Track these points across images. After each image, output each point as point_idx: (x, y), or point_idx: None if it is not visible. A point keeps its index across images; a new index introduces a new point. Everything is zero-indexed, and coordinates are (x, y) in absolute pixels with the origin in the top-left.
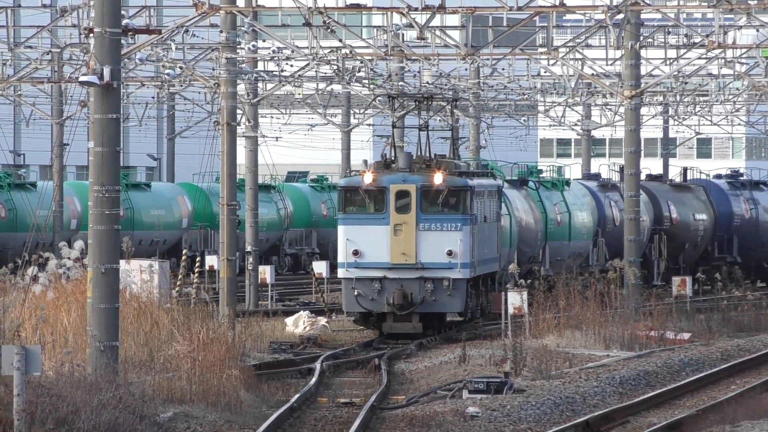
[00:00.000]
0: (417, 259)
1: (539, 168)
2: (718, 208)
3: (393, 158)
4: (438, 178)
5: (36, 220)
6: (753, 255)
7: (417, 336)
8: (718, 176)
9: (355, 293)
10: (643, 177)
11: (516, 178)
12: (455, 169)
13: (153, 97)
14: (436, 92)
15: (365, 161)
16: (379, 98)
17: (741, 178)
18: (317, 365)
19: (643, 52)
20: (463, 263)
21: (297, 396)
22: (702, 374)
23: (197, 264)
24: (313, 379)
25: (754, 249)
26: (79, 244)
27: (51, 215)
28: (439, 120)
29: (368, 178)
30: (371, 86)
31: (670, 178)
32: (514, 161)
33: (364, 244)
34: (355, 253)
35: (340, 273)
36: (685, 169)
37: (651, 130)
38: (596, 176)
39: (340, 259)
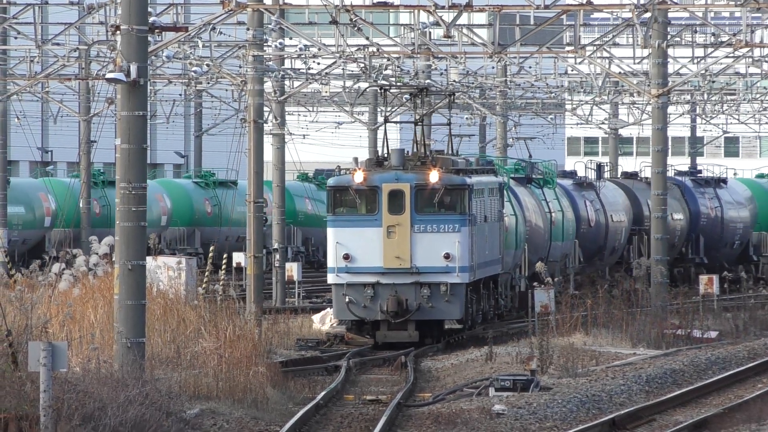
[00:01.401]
0: (412, 263)
1: (525, 163)
2: (689, 207)
3: (385, 155)
4: (433, 176)
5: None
6: (717, 255)
7: (413, 345)
8: (680, 173)
9: (347, 300)
10: (618, 174)
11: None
12: (452, 166)
13: (180, 95)
14: (430, 85)
15: (356, 159)
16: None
17: (700, 174)
18: (343, 362)
19: (670, 51)
20: (461, 267)
21: (323, 393)
22: (728, 373)
23: (224, 261)
24: (340, 377)
25: (719, 249)
26: (107, 239)
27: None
28: (466, 118)
29: (359, 177)
30: (398, 84)
31: (644, 175)
32: (542, 159)
33: (356, 248)
34: (346, 257)
35: (330, 279)
36: None
37: (678, 128)
38: (572, 174)
39: (330, 263)
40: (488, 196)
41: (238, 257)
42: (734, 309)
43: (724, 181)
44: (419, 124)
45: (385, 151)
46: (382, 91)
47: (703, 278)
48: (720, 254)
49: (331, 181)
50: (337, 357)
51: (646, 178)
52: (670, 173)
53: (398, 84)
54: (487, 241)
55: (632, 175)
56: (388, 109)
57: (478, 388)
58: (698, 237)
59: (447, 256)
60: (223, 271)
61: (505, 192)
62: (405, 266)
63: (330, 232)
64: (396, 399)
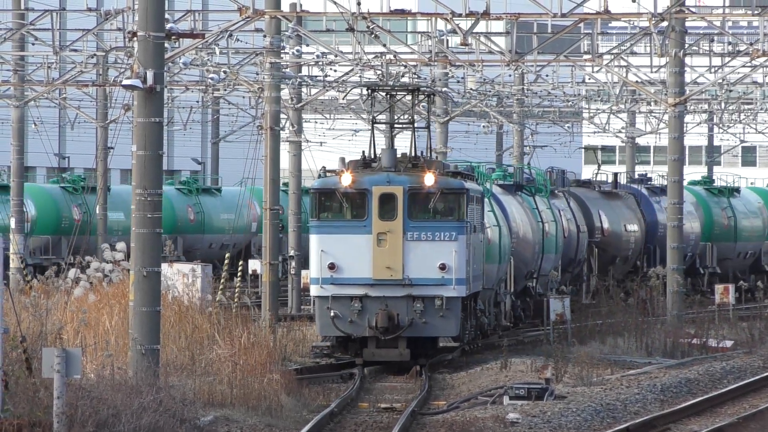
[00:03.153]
0: (404, 274)
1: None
2: (646, 218)
3: (373, 156)
4: (429, 179)
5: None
6: None
7: (404, 364)
8: (633, 181)
9: (332, 314)
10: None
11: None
12: (443, 169)
13: (197, 101)
14: (420, 84)
15: (342, 159)
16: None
17: (651, 182)
18: (358, 370)
19: (687, 60)
20: (458, 279)
21: (338, 401)
22: (743, 382)
23: (240, 268)
24: (354, 384)
25: None
26: (121, 245)
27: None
28: (483, 126)
29: (347, 180)
30: (386, 85)
31: (598, 183)
32: (561, 168)
33: (342, 257)
34: (331, 267)
35: (313, 290)
36: (615, 175)
37: (696, 137)
38: (531, 181)
39: (313, 273)
40: (476, 204)
41: (254, 264)
42: (750, 318)
43: None
44: (403, 127)
45: (372, 154)
46: (369, 91)
47: (719, 287)
48: None
49: (315, 184)
50: (352, 364)
51: (600, 187)
52: (623, 180)
53: (387, 85)
54: (475, 254)
55: (585, 184)
56: (375, 110)
57: (492, 396)
58: (655, 249)
59: (443, 267)
60: (238, 279)
61: (486, 201)
62: (396, 278)
63: (313, 239)
64: (410, 407)
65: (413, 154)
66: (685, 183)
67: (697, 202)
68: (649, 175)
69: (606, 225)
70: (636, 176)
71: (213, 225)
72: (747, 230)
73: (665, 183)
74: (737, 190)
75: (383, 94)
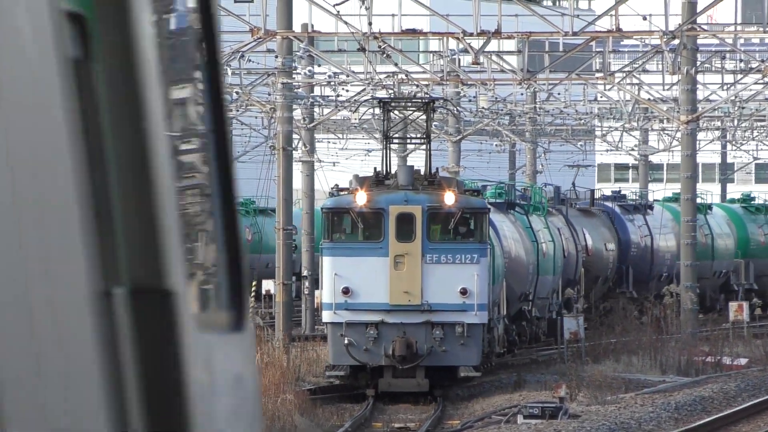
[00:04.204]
0: (423, 299)
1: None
2: (619, 236)
3: (387, 173)
4: (449, 198)
5: None
6: (646, 288)
7: (422, 395)
8: (606, 198)
9: (346, 342)
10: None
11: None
12: (458, 186)
13: None
14: (437, 97)
15: (356, 176)
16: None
17: (625, 200)
18: (372, 390)
19: (699, 77)
20: (480, 304)
21: (351, 421)
22: (758, 400)
23: (253, 288)
24: (368, 404)
25: (647, 282)
26: None
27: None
28: (495, 145)
29: (362, 198)
30: (399, 98)
31: (573, 200)
32: (571, 186)
33: (357, 281)
34: (345, 291)
35: (326, 316)
36: (592, 191)
37: (709, 155)
38: (525, 199)
39: (326, 298)
40: None
41: (267, 284)
42: (764, 336)
43: (651, 206)
44: (421, 142)
45: (385, 170)
46: (382, 105)
47: (733, 305)
48: (648, 287)
49: (328, 203)
50: (366, 384)
51: (577, 204)
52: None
53: (400, 99)
54: None
55: (561, 201)
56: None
57: (506, 415)
58: (628, 269)
59: (464, 292)
60: (252, 298)
61: None
62: (414, 303)
63: (326, 261)
64: (424, 426)
65: (429, 171)
66: (659, 200)
67: (675, 220)
68: (622, 192)
69: (590, 244)
70: (610, 193)
71: (270, 245)
72: (722, 248)
73: (639, 201)
74: (710, 207)
75: (396, 108)
